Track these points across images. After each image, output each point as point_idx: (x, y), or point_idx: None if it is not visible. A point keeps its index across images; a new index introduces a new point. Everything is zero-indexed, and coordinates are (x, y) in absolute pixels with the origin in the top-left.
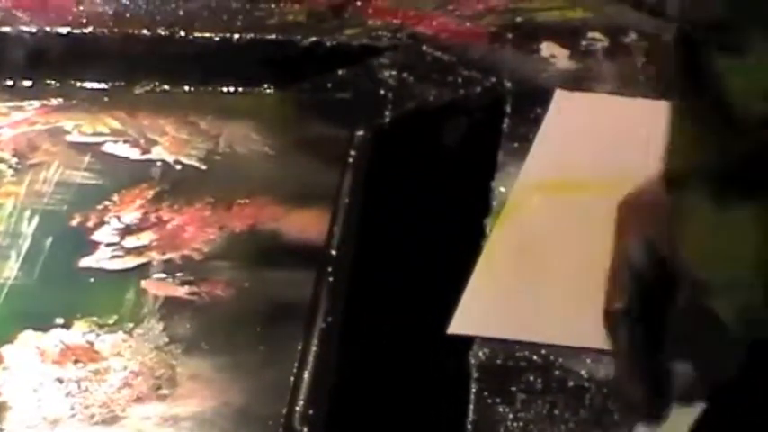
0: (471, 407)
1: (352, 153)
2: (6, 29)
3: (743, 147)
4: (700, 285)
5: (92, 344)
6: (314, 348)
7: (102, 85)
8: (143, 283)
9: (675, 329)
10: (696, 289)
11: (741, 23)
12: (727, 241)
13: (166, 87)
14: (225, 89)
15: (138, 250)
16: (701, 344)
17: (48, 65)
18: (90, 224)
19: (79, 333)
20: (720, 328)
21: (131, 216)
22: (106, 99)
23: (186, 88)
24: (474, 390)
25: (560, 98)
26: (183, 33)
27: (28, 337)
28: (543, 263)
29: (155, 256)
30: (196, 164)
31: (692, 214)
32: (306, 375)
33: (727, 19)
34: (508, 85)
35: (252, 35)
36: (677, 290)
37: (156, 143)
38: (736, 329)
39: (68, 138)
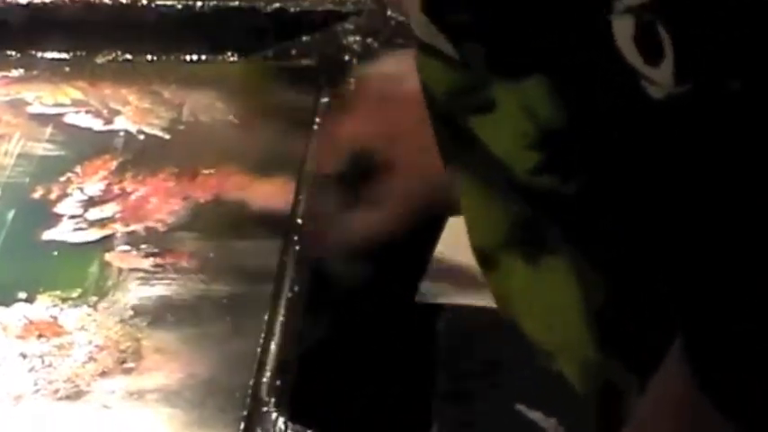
0: (439, 375)
1: (317, 120)
2: None
3: (525, 202)
4: (545, 354)
5: (55, 318)
6: (281, 318)
7: (64, 55)
8: (107, 256)
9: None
10: (542, 357)
11: (480, 82)
12: (551, 300)
13: (129, 56)
14: (188, 57)
15: (102, 222)
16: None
17: (8, 35)
18: (52, 196)
19: (42, 307)
20: (570, 387)
21: (94, 187)
22: (67, 69)
23: (149, 57)
24: (442, 357)
25: None
26: (145, 1)
27: None
28: None
29: (118, 228)
30: (159, 133)
31: (511, 287)
32: (273, 346)
33: (466, 81)
34: None
35: (215, 2)
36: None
37: (118, 113)
38: (583, 385)
39: (29, 109)
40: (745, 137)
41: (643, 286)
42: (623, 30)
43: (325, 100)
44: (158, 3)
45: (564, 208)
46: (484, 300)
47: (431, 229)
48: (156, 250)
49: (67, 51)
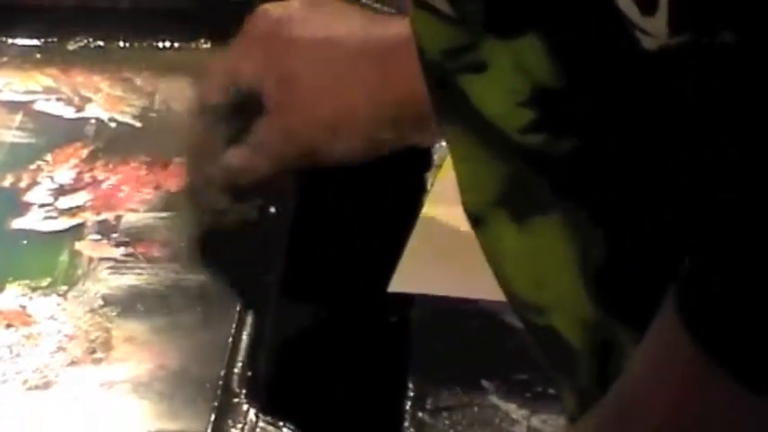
0: (412, 367)
1: None
2: None
3: (516, 161)
4: (535, 310)
5: (24, 307)
6: (252, 309)
7: (35, 42)
8: (77, 245)
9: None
10: (532, 313)
11: (473, 41)
12: (542, 260)
13: (101, 43)
14: (161, 44)
15: (72, 211)
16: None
17: None
18: (22, 184)
19: (11, 296)
20: (564, 344)
21: (65, 176)
22: (38, 56)
23: (121, 44)
24: (415, 349)
25: None
26: None
27: None
28: None
29: (89, 217)
30: (131, 121)
31: (501, 246)
32: (244, 336)
33: (459, 40)
34: None
35: None
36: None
37: (90, 100)
38: (579, 342)
39: None
40: (740, 91)
41: (644, 239)
42: None
43: None
44: None
45: (558, 165)
46: (457, 291)
47: (404, 219)
48: (126, 239)
49: (38, 38)
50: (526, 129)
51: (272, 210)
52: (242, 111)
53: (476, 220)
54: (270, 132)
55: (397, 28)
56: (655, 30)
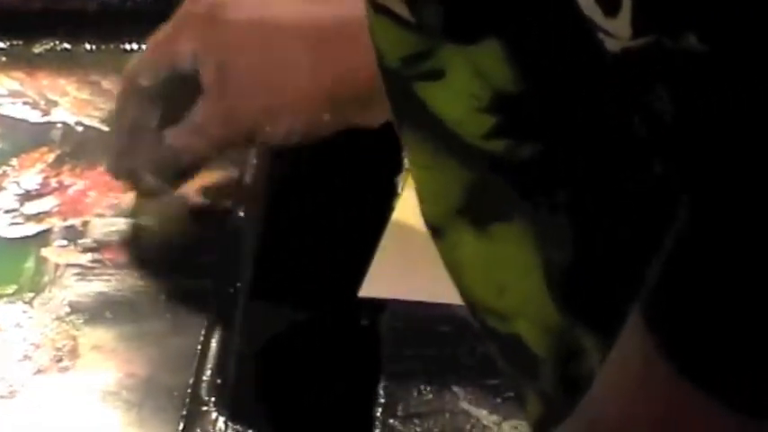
0: (384, 372)
1: None
2: None
3: (478, 167)
4: (498, 317)
5: None
6: (222, 316)
7: (0, 45)
8: (43, 251)
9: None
10: (495, 320)
11: (431, 47)
12: (503, 267)
13: (67, 46)
14: (128, 47)
15: (39, 217)
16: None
17: None
18: None
19: None
20: (527, 351)
21: (31, 181)
22: (3, 59)
23: (88, 46)
24: (386, 354)
25: None
26: None
27: None
28: None
29: (56, 223)
30: (98, 125)
31: (461, 255)
32: (213, 343)
33: (417, 47)
34: None
35: None
36: None
37: (56, 104)
38: (543, 349)
39: None
40: (704, 93)
41: (611, 241)
42: None
43: None
44: None
45: (521, 169)
46: (428, 295)
47: (375, 222)
48: (94, 245)
49: (3, 40)
50: (488, 135)
51: (241, 214)
52: (177, 92)
53: (435, 230)
54: (208, 115)
55: (334, 8)
56: (617, 31)
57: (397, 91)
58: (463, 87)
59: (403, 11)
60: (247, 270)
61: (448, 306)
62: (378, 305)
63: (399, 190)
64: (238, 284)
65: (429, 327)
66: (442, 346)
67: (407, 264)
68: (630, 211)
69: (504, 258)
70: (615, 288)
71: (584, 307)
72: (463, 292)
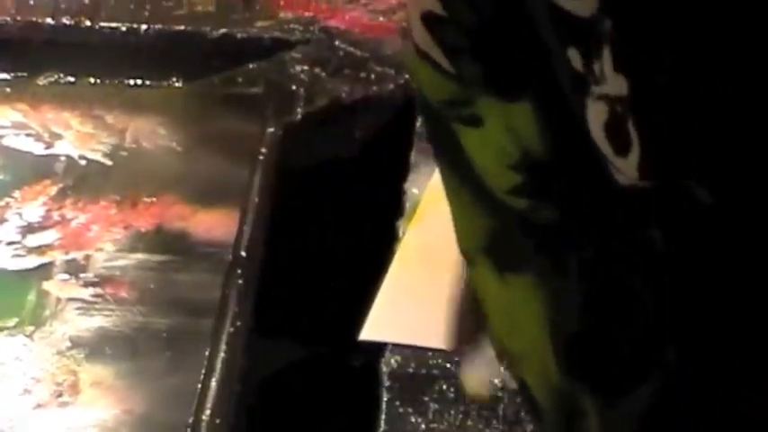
0: (382, 416)
1: (263, 150)
2: None
3: (499, 217)
4: (509, 357)
5: None
6: (222, 354)
7: (4, 76)
8: (45, 284)
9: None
10: (508, 359)
11: (471, 96)
12: (514, 312)
13: (71, 79)
14: (132, 82)
15: (41, 249)
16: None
17: None
18: None
19: None
20: (532, 398)
21: (34, 213)
22: (8, 90)
23: (92, 80)
24: (385, 398)
25: None
26: (88, 23)
27: None
28: (458, 268)
29: (57, 256)
30: (101, 159)
31: (485, 289)
32: (213, 382)
33: (458, 94)
34: None
35: (160, 26)
36: None
37: (60, 137)
38: (545, 400)
39: None
40: (702, 242)
41: (621, 312)
42: (596, 115)
43: (271, 130)
44: (102, 24)
45: (538, 230)
46: (429, 340)
47: (375, 266)
48: (96, 279)
49: (8, 72)
50: (511, 191)
51: (243, 254)
52: None
53: (467, 258)
54: None
55: None
56: (626, 169)
57: (438, 128)
58: (497, 139)
59: (444, 62)
60: (248, 309)
61: (446, 351)
62: (378, 349)
63: (401, 234)
64: (239, 324)
65: (429, 372)
66: (442, 391)
67: (408, 308)
68: (636, 292)
69: (517, 301)
70: (616, 359)
71: (584, 372)
72: (487, 320)
